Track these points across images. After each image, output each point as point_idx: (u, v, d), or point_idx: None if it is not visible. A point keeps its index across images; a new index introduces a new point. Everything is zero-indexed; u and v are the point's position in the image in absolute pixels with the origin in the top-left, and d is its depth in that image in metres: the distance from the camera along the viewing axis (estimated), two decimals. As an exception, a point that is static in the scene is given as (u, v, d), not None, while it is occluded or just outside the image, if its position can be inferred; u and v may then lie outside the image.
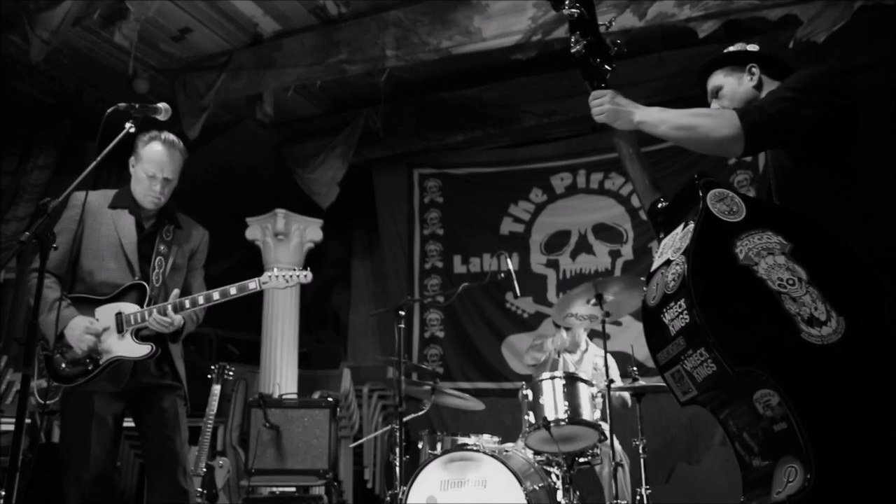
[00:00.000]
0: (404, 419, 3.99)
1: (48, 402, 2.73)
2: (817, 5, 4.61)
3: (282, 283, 2.85)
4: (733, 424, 1.80)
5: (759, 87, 2.21)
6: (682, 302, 1.72)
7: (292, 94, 5.98)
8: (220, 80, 5.69)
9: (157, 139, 2.90)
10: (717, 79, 2.26)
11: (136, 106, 2.60)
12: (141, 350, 2.77)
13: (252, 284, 2.79)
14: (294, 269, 2.94)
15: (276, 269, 2.91)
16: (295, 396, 5.08)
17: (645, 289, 1.92)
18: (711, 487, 5.25)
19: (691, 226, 1.79)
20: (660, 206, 2.03)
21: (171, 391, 2.86)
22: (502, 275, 4.51)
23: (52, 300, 2.74)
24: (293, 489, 4.44)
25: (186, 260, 3.00)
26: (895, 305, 1.72)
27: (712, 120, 2.00)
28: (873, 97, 2.20)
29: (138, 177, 2.90)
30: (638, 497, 3.93)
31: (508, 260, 4.63)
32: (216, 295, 2.78)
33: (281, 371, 5.99)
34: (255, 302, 6.50)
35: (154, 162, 2.86)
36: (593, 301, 4.10)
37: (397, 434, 3.90)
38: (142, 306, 2.79)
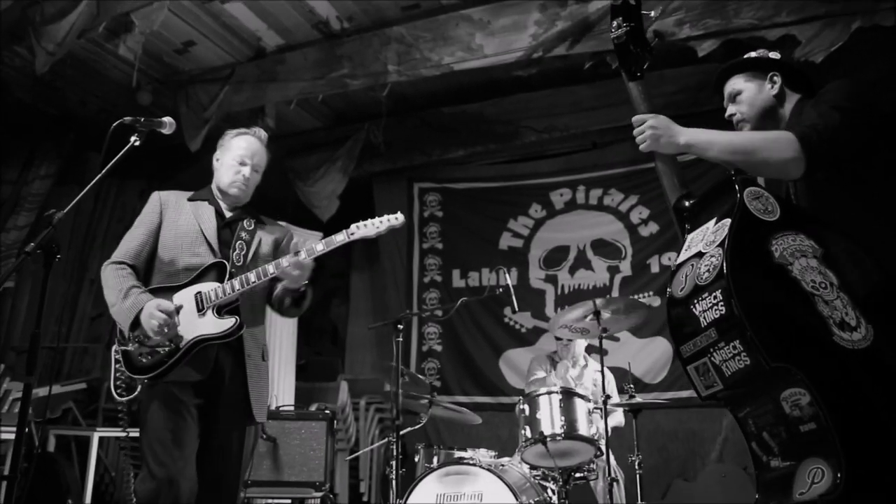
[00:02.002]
0: (401, 432, 3.97)
1: (126, 398, 2.60)
2: (815, 26, 4.66)
3: (372, 230, 2.67)
4: (753, 423, 1.78)
5: (779, 96, 2.18)
6: (717, 293, 1.71)
7: (294, 107, 6.02)
8: (223, 92, 5.73)
9: (249, 133, 2.91)
10: (738, 83, 2.23)
11: (142, 120, 2.62)
12: (224, 324, 2.61)
13: (339, 237, 2.65)
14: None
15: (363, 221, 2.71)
16: (292, 408, 5.08)
17: (672, 281, 1.90)
18: (708, 504, 5.25)
19: (727, 221, 1.79)
20: (687, 201, 2.02)
21: (236, 399, 2.65)
22: (500, 289, 4.52)
23: (128, 288, 2.63)
24: (289, 501, 4.43)
25: (272, 251, 2.87)
26: None
27: (770, 143, 1.96)
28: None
29: (226, 165, 2.85)
30: (634, 513, 3.94)
31: (507, 274, 4.67)
32: (320, 246, 2.63)
33: (278, 383, 5.98)
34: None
35: (244, 148, 2.85)
36: (591, 317, 4.14)
37: (393, 447, 3.89)
38: (222, 283, 2.66)
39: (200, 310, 2.63)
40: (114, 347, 2.70)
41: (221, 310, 2.64)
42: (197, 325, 2.61)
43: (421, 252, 6.93)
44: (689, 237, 1.94)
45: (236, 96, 5.77)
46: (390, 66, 5.31)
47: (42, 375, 5.39)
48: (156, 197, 2.84)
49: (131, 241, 2.78)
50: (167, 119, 2.68)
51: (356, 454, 5.50)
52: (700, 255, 1.82)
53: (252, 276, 2.63)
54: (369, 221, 2.68)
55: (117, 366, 2.66)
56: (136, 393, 2.62)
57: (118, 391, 2.63)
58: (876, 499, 1.54)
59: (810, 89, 2.17)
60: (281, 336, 6.18)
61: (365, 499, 5.89)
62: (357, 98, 6.23)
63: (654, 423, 5.71)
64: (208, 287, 2.66)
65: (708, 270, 1.75)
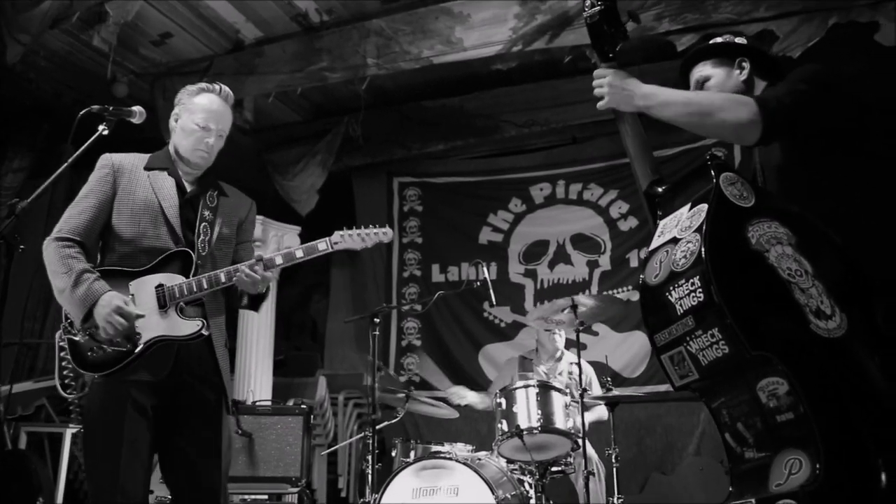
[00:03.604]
0: (378, 427, 3.96)
1: (70, 395, 2.36)
2: (793, 21, 4.69)
3: (357, 241, 2.47)
4: (727, 414, 1.75)
5: (748, 82, 2.14)
6: (695, 279, 1.66)
7: (273, 100, 5.98)
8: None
9: (211, 90, 2.61)
10: (705, 69, 2.18)
11: (110, 108, 2.54)
12: (189, 327, 2.37)
13: (322, 245, 2.45)
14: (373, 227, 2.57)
15: (350, 229, 2.51)
16: (269, 403, 5.04)
17: (645, 267, 1.85)
18: (686, 497, 5.27)
19: (703, 206, 1.74)
20: (660, 186, 1.98)
21: (211, 394, 2.45)
22: (478, 283, 4.52)
23: (79, 272, 2.34)
24: (265, 496, 4.37)
25: (234, 231, 2.63)
26: (888, 306, 1.73)
27: (728, 104, 1.91)
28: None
29: (186, 129, 2.55)
30: (611, 506, 3.95)
31: (485, 268, 4.64)
32: (299, 253, 2.46)
33: (255, 378, 5.93)
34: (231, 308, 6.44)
35: (207, 111, 2.55)
36: (568, 310, 4.15)
37: (370, 442, 3.87)
38: (187, 277, 2.42)
39: (163, 306, 2.39)
40: (58, 334, 2.41)
41: (184, 309, 2.42)
42: (157, 323, 2.37)
43: (400, 247, 6.91)
44: (662, 223, 1.90)
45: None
46: (369, 60, 5.29)
47: (14, 372, 5.31)
48: (107, 160, 2.53)
49: (80, 214, 2.47)
50: (137, 108, 2.61)
51: (333, 448, 5.46)
52: (675, 241, 1.78)
53: (223, 276, 2.42)
54: (355, 232, 2.49)
55: (62, 354, 2.37)
56: (83, 392, 2.37)
57: (67, 387, 2.35)
58: (853, 490, 1.53)
59: (780, 76, 2.14)
60: (258, 331, 6.14)
61: (343, 494, 5.87)
62: (336, 91, 6.20)
63: (633, 417, 5.73)
64: (172, 281, 2.42)
65: (685, 256, 1.72)
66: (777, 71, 2.17)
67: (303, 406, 4.60)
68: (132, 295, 2.39)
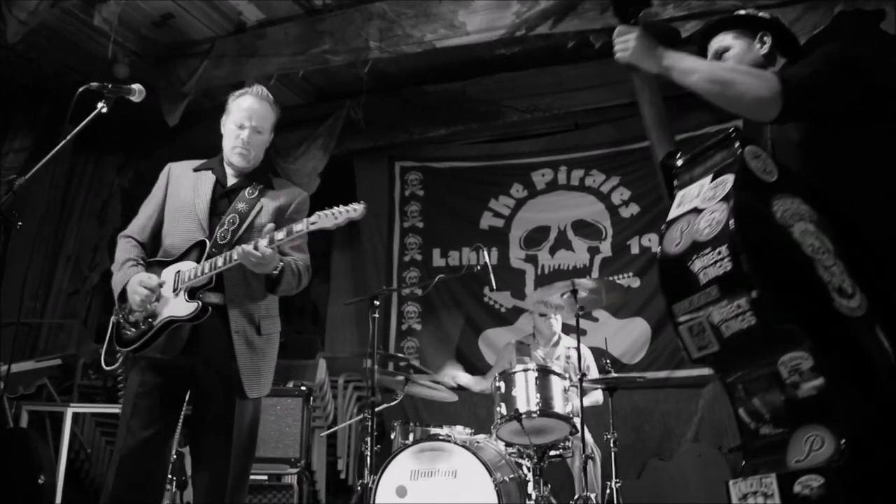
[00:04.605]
0: (377, 409, 3.98)
1: (111, 367, 2.65)
2: (798, 9, 4.66)
3: (330, 220, 2.52)
4: (743, 389, 1.72)
5: (769, 57, 2.09)
6: (722, 248, 1.62)
7: (274, 83, 5.93)
8: (202, 67, 5.64)
9: (248, 92, 2.81)
10: (725, 39, 2.13)
11: (109, 86, 2.56)
12: (187, 308, 2.54)
13: (298, 226, 2.50)
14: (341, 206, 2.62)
15: (326, 209, 2.56)
16: (269, 385, 5.05)
17: (664, 237, 1.82)
18: (683, 484, 5.29)
19: (728, 177, 1.71)
20: (678, 156, 1.94)
21: (224, 374, 2.59)
22: (479, 267, 4.52)
23: (124, 260, 2.69)
24: (264, 477, 4.40)
25: (272, 219, 2.67)
26: None
27: (751, 79, 1.87)
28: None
29: (227, 131, 2.77)
30: (608, 490, 3.96)
31: (485, 253, 4.64)
32: (279, 235, 2.50)
33: (256, 360, 5.92)
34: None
35: (242, 110, 2.74)
36: (568, 294, 4.15)
37: (369, 424, 3.89)
38: (200, 263, 2.60)
39: (175, 290, 2.60)
40: (111, 318, 2.75)
41: (196, 291, 2.57)
42: (170, 305, 2.58)
43: (401, 231, 6.90)
44: (681, 193, 1.87)
45: (216, 71, 5.70)
46: (372, 43, 5.26)
47: (14, 351, 5.33)
48: (165, 170, 2.84)
49: (139, 217, 2.84)
50: (136, 86, 2.62)
51: (332, 430, 5.49)
52: (697, 210, 1.74)
53: (220, 260, 2.54)
54: (328, 211, 2.53)
55: (109, 335, 2.69)
56: (117, 364, 2.65)
57: (106, 358, 2.67)
58: (879, 466, 1.52)
59: (799, 54, 2.10)
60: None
61: (342, 476, 5.90)
62: (338, 75, 6.16)
63: (631, 403, 5.75)
64: (187, 266, 2.62)
65: (709, 225, 1.67)
66: (797, 49, 2.13)
67: (302, 388, 4.61)
68: (163, 281, 2.63)
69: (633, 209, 6.26)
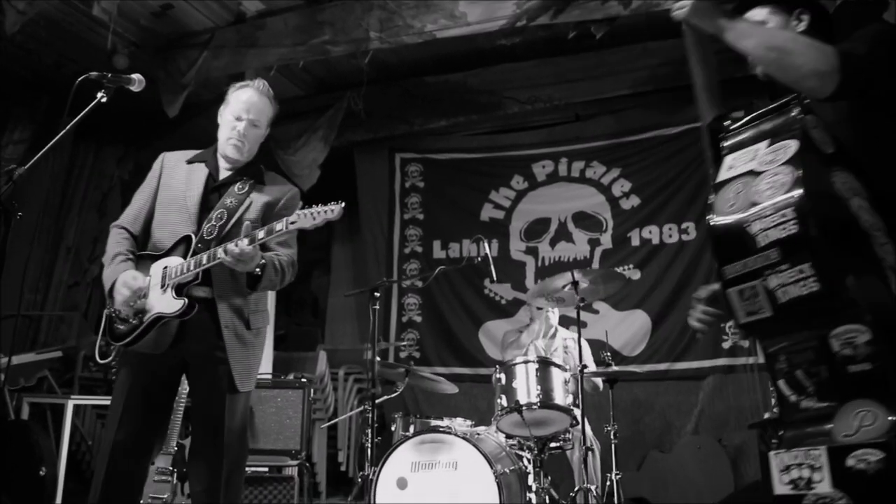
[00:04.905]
0: (377, 401, 3.96)
1: (105, 360, 2.72)
2: (801, -3, 4.63)
3: (308, 220, 2.49)
4: (786, 360, 1.65)
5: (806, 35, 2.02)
6: (786, 211, 1.55)
7: (274, 74, 5.91)
8: (202, 58, 5.61)
9: (249, 85, 2.79)
10: (760, 14, 2.05)
11: (109, 75, 2.53)
12: (175, 304, 2.55)
13: (278, 225, 2.48)
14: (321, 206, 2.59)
15: (307, 207, 2.53)
16: (269, 377, 5.05)
17: (716, 198, 1.75)
18: (683, 476, 5.30)
19: (788, 142, 1.66)
20: (729, 120, 1.88)
21: (214, 368, 2.60)
22: (479, 259, 4.50)
23: (114, 254, 2.68)
24: (265, 469, 4.38)
25: (261, 214, 2.69)
26: None
27: (812, 50, 1.78)
28: None
29: (224, 121, 2.76)
30: (608, 482, 3.96)
31: (486, 244, 4.62)
32: (261, 234, 2.50)
33: (256, 352, 5.92)
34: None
35: (240, 102, 2.73)
36: (569, 286, 4.14)
37: (369, 415, 3.88)
38: (186, 259, 2.60)
39: (163, 286, 2.60)
40: (104, 311, 2.75)
41: (184, 287, 2.58)
42: (158, 301, 2.59)
43: (402, 223, 6.88)
44: (730, 158, 1.82)
45: (215, 62, 5.67)
46: (372, 33, 5.23)
47: (15, 343, 5.33)
48: (159, 158, 2.82)
49: (132, 206, 2.82)
50: (136, 76, 2.59)
51: (333, 421, 5.48)
52: (754, 173, 1.68)
53: (204, 257, 2.54)
54: (308, 211, 2.50)
55: (102, 329, 2.71)
56: (110, 358, 2.71)
57: (101, 351, 2.71)
58: None
59: (831, 37, 2.07)
60: (259, 305, 6.11)
61: (343, 468, 5.91)
62: (339, 66, 6.14)
63: (631, 396, 5.74)
64: (174, 262, 2.62)
65: (771, 188, 1.61)
66: (831, 31, 2.06)
67: (303, 380, 4.60)
68: (150, 276, 2.64)
69: (634, 201, 6.24)
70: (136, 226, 2.76)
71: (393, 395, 4.36)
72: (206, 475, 2.58)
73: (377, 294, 4.09)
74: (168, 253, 2.65)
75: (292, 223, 2.48)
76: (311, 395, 4.76)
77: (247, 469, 4.48)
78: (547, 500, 3.83)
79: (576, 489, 4.07)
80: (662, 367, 5.77)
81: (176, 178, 2.75)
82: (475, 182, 6.74)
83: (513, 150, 6.69)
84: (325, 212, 2.48)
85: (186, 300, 2.55)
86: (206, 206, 2.69)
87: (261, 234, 2.49)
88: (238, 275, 2.64)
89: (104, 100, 2.49)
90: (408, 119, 6.52)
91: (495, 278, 4.88)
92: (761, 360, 5.56)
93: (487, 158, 6.75)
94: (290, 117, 6.55)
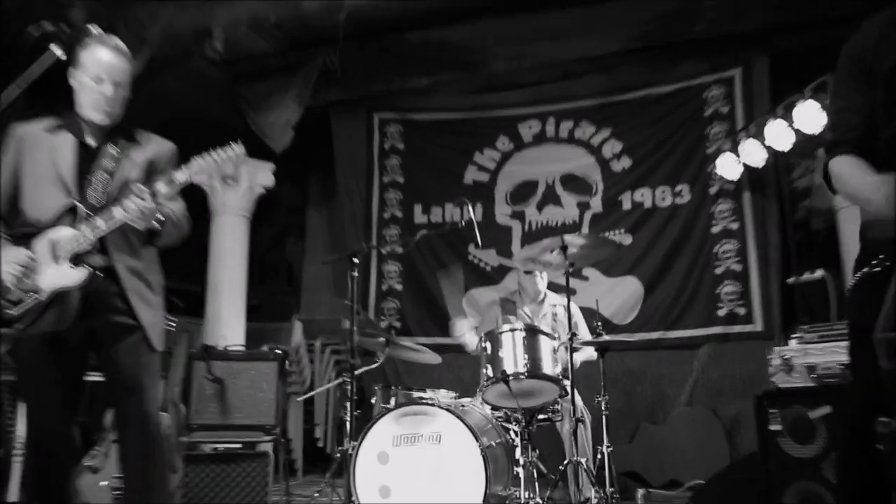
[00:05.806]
0: (357, 372, 3.84)
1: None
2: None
3: (211, 166, 2.46)
4: None
5: None
6: None
7: (245, 30, 5.62)
8: (165, 12, 5.31)
9: (102, 43, 2.62)
10: None
11: (65, 27, 2.40)
12: (76, 275, 2.49)
13: (182, 176, 2.45)
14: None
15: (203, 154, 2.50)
16: (241, 349, 4.83)
17: None
18: (676, 448, 5.16)
19: None
20: None
21: (127, 334, 2.58)
22: (462, 223, 4.29)
23: None
24: (238, 445, 4.21)
25: (142, 172, 2.64)
26: None
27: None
28: None
29: (83, 84, 2.62)
30: (599, 455, 3.80)
31: (470, 208, 4.40)
32: (162, 188, 2.46)
33: (227, 323, 5.73)
34: (201, 250, 6.19)
35: (100, 64, 2.59)
36: (557, 250, 3.92)
37: (348, 388, 3.73)
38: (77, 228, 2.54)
39: (55, 259, 2.53)
40: None
41: (79, 257, 2.52)
42: (54, 275, 2.52)
43: (381, 186, 6.68)
44: None
45: (180, 16, 5.40)
46: (349, -15, 4.95)
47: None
48: (11, 132, 2.68)
49: None
50: (94, 28, 2.51)
51: (309, 394, 5.30)
52: None
53: (101, 221, 2.50)
54: (206, 157, 2.47)
55: None
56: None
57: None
58: None
59: None
60: (229, 273, 5.91)
61: (320, 444, 5.73)
62: (314, 21, 5.82)
63: (623, 365, 5.61)
64: (61, 234, 2.54)
65: None
66: None
67: (277, 351, 4.39)
68: (35, 253, 2.54)
69: (626, 162, 6.05)
70: (4, 208, 2.65)
71: (373, 367, 4.22)
72: (140, 440, 2.58)
73: (356, 261, 3.93)
74: (52, 225, 2.56)
75: (196, 172, 2.45)
76: (286, 367, 4.55)
77: (218, 445, 4.30)
78: (535, 474, 3.69)
79: (565, 462, 3.93)
80: (655, 335, 5.64)
81: (40, 151, 2.63)
82: (458, 143, 6.55)
83: (498, 110, 6.50)
84: (227, 154, 2.47)
85: (89, 268, 2.52)
86: (82, 173, 2.62)
87: (162, 187, 2.46)
88: (131, 237, 2.63)
89: (63, 57, 2.37)
90: (386, 77, 6.31)
91: (480, 244, 4.69)
92: (758, 328, 5.45)
93: (471, 119, 6.57)
94: (262, 76, 6.29)
